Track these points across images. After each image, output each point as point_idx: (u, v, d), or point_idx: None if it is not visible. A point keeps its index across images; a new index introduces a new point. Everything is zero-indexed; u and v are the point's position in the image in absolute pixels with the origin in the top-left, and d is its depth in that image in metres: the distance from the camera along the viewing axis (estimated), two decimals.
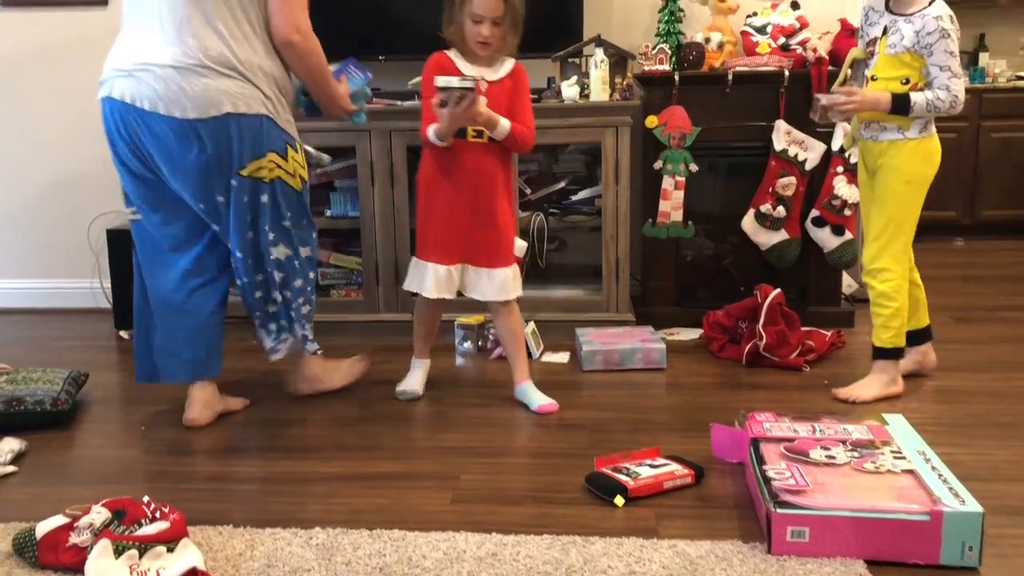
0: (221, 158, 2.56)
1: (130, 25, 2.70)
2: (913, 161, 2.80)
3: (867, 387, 2.87)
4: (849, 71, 2.99)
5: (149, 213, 2.73)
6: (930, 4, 2.71)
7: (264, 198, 2.65)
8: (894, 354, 2.87)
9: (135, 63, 2.57)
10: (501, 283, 2.83)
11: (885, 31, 2.78)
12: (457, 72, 2.70)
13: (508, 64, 2.79)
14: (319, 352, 2.96)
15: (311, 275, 2.85)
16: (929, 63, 2.70)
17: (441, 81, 2.57)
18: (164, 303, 2.74)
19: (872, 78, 2.81)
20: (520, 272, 3.62)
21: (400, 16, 3.86)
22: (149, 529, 1.87)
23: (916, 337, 3.00)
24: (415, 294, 2.92)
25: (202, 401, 2.77)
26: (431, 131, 2.71)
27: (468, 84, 2.56)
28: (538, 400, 2.83)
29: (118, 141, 2.63)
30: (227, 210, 2.63)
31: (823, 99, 2.79)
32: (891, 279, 2.81)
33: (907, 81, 2.74)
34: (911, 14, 2.71)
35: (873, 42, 2.83)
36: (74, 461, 2.56)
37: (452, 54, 2.76)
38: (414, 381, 2.98)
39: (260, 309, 2.80)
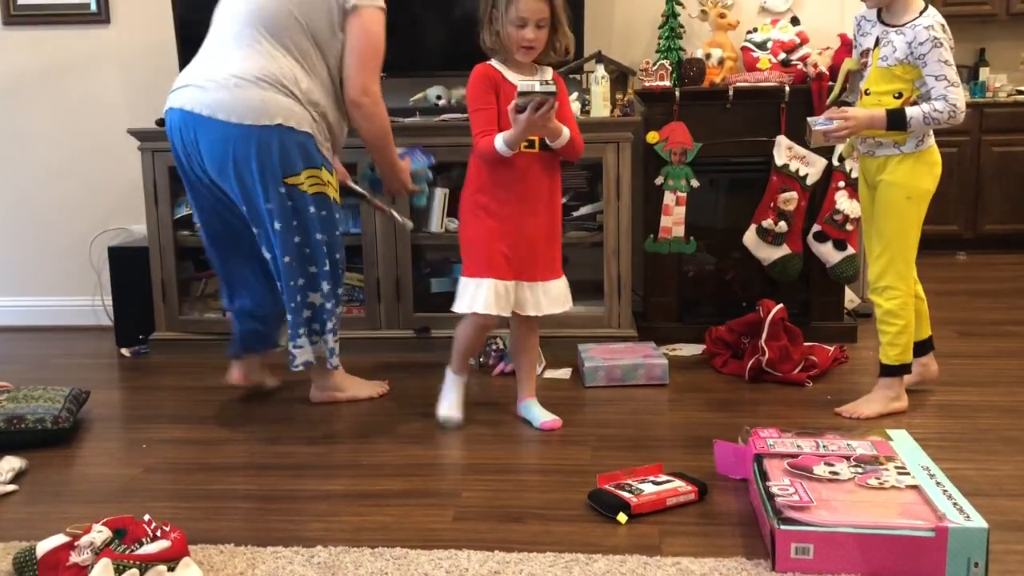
0: (268, 165, 2.74)
1: (211, 45, 2.90)
2: (913, 176, 2.76)
3: (871, 404, 2.85)
4: (846, 84, 2.97)
5: (204, 221, 2.99)
6: (921, 14, 2.67)
7: (312, 208, 2.81)
8: (900, 371, 2.85)
9: (205, 77, 2.79)
10: (557, 295, 2.79)
11: (877, 42, 2.75)
12: (505, 82, 2.65)
13: (547, 73, 2.74)
14: (338, 367, 3.02)
15: (339, 289, 2.97)
16: (924, 74, 2.66)
17: (523, 86, 2.49)
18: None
19: (865, 92, 2.79)
20: None
21: (401, 34, 3.87)
22: (150, 548, 1.86)
23: (918, 348, 2.99)
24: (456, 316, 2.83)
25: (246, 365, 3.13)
26: (500, 140, 2.60)
27: (550, 88, 2.48)
28: (541, 416, 2.81)
29: (179, 151, 2.86)
30: (271, 216, 2.78)
31: (817, 126, 2.75)
32: (897, 296, 2.79)
33: (900, 95, 2.70)
34: (902, 25, 2.68)
35: (866, 53, 2.81)
36: (75, 479, 2.55)
37: (496, 64, 2.69)
38: (452, 405, 2.83)
39: (295, 313, 2.88)
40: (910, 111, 2.66)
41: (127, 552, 1.85)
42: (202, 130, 2.76)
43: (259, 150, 2.72)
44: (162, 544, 1.87)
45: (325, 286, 2.88)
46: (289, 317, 2.89)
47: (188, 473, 2.56)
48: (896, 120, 2.67)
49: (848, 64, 2.93)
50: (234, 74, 2.73)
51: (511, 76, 2.65)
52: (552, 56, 2.70)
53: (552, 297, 2.78)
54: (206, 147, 2.77)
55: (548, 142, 2.66)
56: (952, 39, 2.68)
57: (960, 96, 2.67)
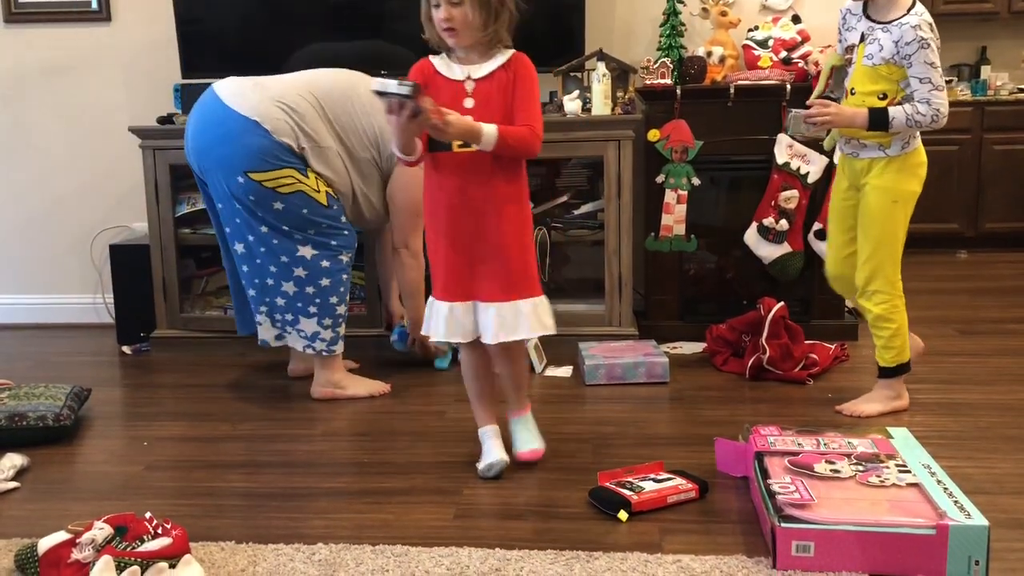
0: (239, 157, 2.92)
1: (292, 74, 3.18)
2: (899, 180, 2.71)
3: (871, 403, 2.85)
4: (830, 80, 2.94)
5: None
6: (909, 11, 2.60)
7: (278, 204, 2.95)
8: (899, 371, 2.84)
9: (260, 83, 3.05)
10: (515, 319, 2.38)
11: (863, 38, 2.69)
12: (437, 77, 2.32)
13: (504, 55, 2.32)
14: (335, 353, 3.09)
15: (323, 281, 3.04)
16: (909, 75, 2.61)
17: (376, 84, 2.11)
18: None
19: (851, 91, 2.74)
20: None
21: (401, 31, 3.87)
22: (151, 545, 1.86)
23: None
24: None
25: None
26: (393, 144, 2.28)
27: (404, 90, 2.08)
28: (522, 445, 2.50)
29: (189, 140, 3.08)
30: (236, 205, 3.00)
31: (797, 112, 2.71)
32: (886, 300, 2.76)
33: (884, 96, 2.65)
34: (889, 22, 2.62)
35: (851, 49, 2.76)
36: (76, 477, 2.55)
37: (436, 58, 2.35)
38: (493, 451, 2.45)
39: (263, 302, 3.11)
40: (893, 112, 2.62)
41: (128, 549, 1.85)
42: (219, 114, 2.98)
43: (251, 137, 2.90)
44: (163, 541, 1.87)
45: (309, 279, 3.04)
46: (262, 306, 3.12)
47: (189, 470, 2.56)
48: (878, 120, 2.63)
49: (832, 59, 2.90)
50: (277, 96, 2.98)
51: (447, 68, 2.31)
52: (503, 36, 2.30)
53: (501, 321, 2.35)
54: (212, 129, 3.01)
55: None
56: (939, 38, 2.63)
57: (944, 100, 2.62)
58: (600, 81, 3.56)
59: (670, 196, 3.67)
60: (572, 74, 3.74)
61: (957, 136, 5.80)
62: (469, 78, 2.30)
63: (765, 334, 3.23)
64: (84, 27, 4.14)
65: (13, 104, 4.23)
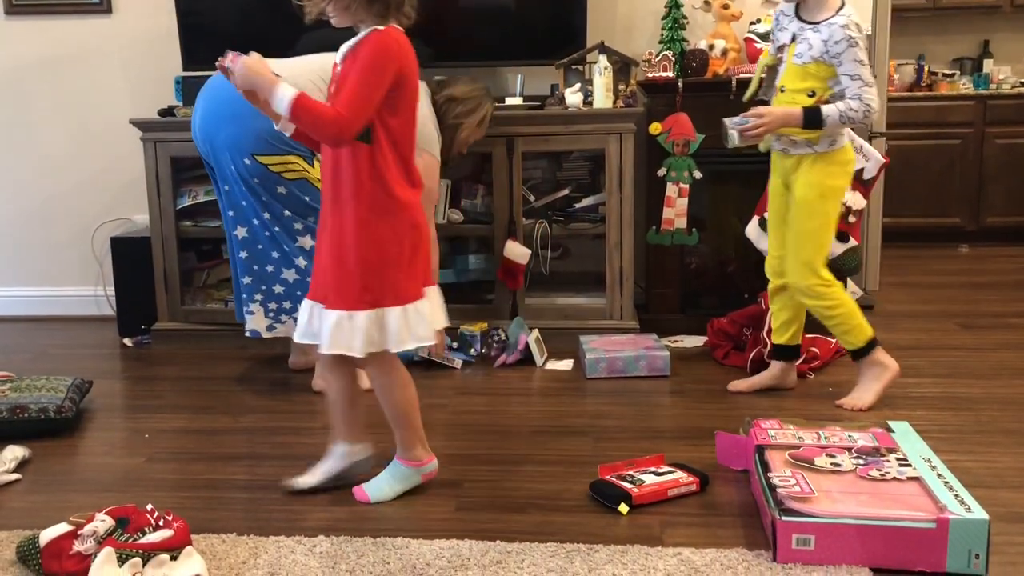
0: (249, 138, 2.92)
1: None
2: (826, 175, 2.76)
3: (867, 391, 2.85)
4: (763, 78, 2.93)
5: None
6: (838, 12, 2.66)
7: (282, 189, 2.98)
8: (869, 347, 2.85)
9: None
10: (329, 330, 2.12)
11: (793, 38, 2.74)
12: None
13: (365, 32, 2.10)
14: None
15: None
16: (839, 73, 2.66)
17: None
18: None
19: (780, 89, 2.79)
20: (524, 282, 3.63)
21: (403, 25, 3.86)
22: (153, 537, 1.87)
23: (784, 352, 2.97)
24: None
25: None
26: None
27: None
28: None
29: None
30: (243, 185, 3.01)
31: (733, 127, 2.73)
32: (822, 291, 2.80)
33: (812, 93, 2.69)
34: (819, 23, 2.67)
35: (782, 48, 2.80)
36: (78, 469, 2.56)
37: None
38: (315, 471, 2.31)
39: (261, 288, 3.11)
40: (826, 110, 2.65)
41: (130, 541, 1.85)
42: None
43: (254, 122, 2.81)
44: (165, 533, 1.88)
45: (302, 267, 3.04)
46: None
47: (190, 463, 2.56)
48: (812, 118, 2.67)
49: (764, 60, 2.92)
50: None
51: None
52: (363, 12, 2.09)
53: (324, 329, 2.14)
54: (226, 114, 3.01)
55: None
56: (866, 38, 2.69)
57: (874, 96, 2.67)
58: (602, 74, 3.55)
59: (671, 189, 3.66)
60: (574, 67, 3.73)
61: (959, 130, 5.79)
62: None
63: (766, 328, 3.23)
64: (85, 19, 4.13)
65: (14, 97, 4.22)
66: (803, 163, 2.77)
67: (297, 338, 2.25)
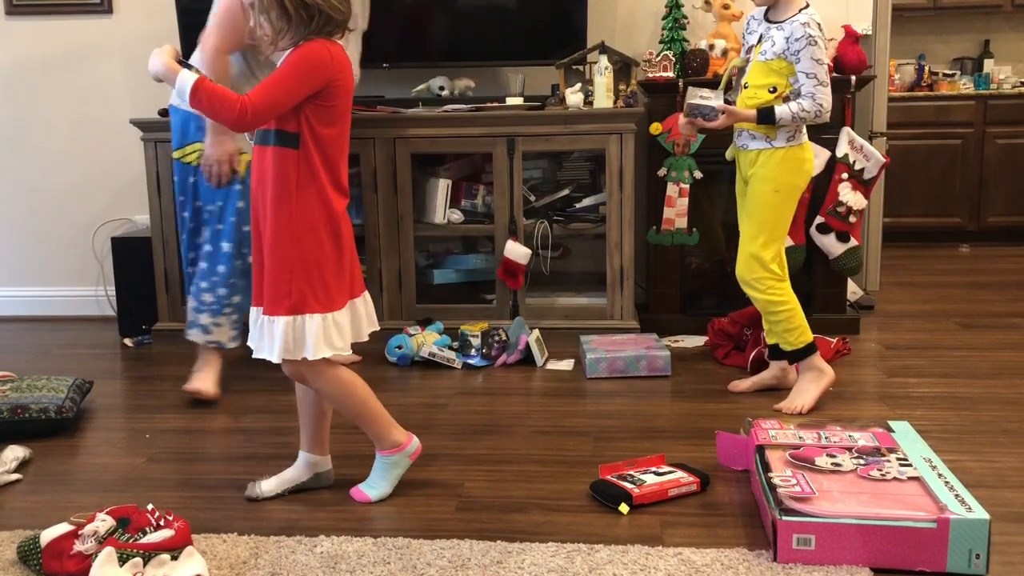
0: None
1: None
2: (781, 170, 2.78)
3: (804, 393, 2.82)
4: (732, 81, 2.95)
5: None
6: (800, 11, 2.71)
7: (191, 178, 3.09)
8: (808, 351, 2.85)
9: None
10: (269, 337, 2.14)
11: (760, 39, 2.79)
12: None
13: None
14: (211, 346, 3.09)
15: (220, 267, 3.06)
16: (797, 70, 2.70)
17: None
18: None
19: (744, 85, 2.83)
20: (525, 282, 3.64)
21: (403, 25, 3.87)
22: (153, 537, 1.87)
23: (780, 351, 2.94)
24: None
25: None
26: None
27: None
28: (363, 482, 2.31)
29: None
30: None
31: (696, 99, 2.78)
32: (770, 285, 2.82)
33: (774, 89, 2.73)
34: (782, 21, 2.72)
35: (750, 50, 2.85)
36: (78, 469, 2.56)
37: None
38: (272, 479, 2.30)
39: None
40: (779, 110, 2.70)
41: (131, 541, 1.85)
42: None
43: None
44: (166, 533, 1.88)
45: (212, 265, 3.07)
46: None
47: (191, 463, 2.56)
48: (765, 118, 2.72)
49: (735, 61, 2.97)
50: None
51: None
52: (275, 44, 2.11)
53: (265, 338, 2.15)
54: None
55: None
56: (826, 38, 2.73)
57: (827, 96, 2.70)
58: (602, 74, 3.55)
59: (672, 189, 3.66)
60: (574, 67, 3.73)
61: (960, 130, 5.79)
62: None
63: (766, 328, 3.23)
64: (86, 19, 4.14)
65: (15, 96, 4.22)
66: (760, 158, 2.80)
67: (250, 343, 2.22)
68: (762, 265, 2.81)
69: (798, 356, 2.86)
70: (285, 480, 2.30)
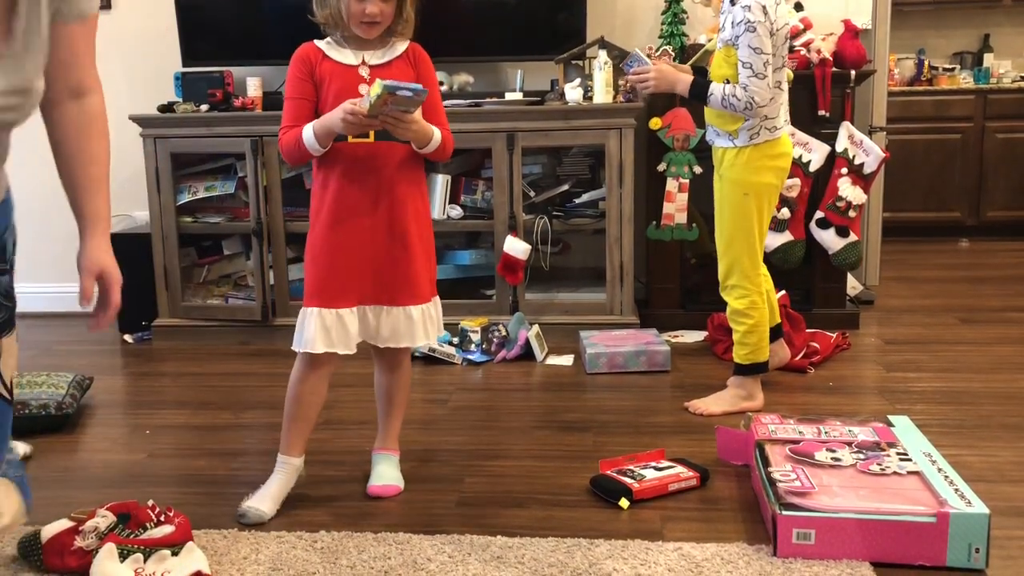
0: None
1: None
2: (749, 172, 2.64)
3: (719, 401, 2.79)
4: (708, 65, 2.85)
5: None
6: None
7: None
8: (752, 370, 2.77)
9: None
10: (418, 323, 2.22)
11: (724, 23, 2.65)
12: (325, 62, 2.15)
13: (402, 44, 2.20)
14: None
15: None
16: (737, 57, 2.53)
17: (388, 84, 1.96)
18: None
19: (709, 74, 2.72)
20: (524, 277, 3.64)
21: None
22: (154, 533, 1.87)
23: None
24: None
25: None
26: (308, 132, 2.09)
27: (416, 88, 1.97)
28: (376, 479, 2.31)
29: None
30: None
31: (632, 64, 2.67)
32: (745, 296, 2.71)
33: (727, 82, 2.58)
34: (735, 3, 2.54)
35: None
36: (79, 465, 2.56)
37: (323, 44, 2.17)
38: (267, 496, 2.18)
39: None
40: (713, 87, 2.56)
41: (131, 537, 1.86)
42: None
43: None
44: (166, 529, 1.88)
45: None
46: None
47: (191, 459, 2.57)
48: (698, 91, 2.59)
49: (708, 46, 2.88)
50: None
51: (339, 55, 2.16)
52: (404, 27, 2.18)
53: (412, 325, 2.22)
54: None
55: (416, 148, 2.16)
56: (775, 24, 2.52)
57: (760, 89, 2.51)
58: (602, 69, 3.55)
59: (672, 184, 3.66)
60: (574, 62, 3.73)
61: (959, 124, 5.79)
62: (364, 63, 2.15)
63: None
64: None
65: None
66: (726, 158, 2.69)
67: (394, 344, 2.28)
68: (741, 272, 2.71)
69: (740, 371, 2.79)
70: (279, 496, 2.21)
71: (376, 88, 1.94)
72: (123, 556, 1.79)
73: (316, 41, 2.19)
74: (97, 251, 1.69)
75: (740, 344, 2.78)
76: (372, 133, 2.11)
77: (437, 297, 2.28)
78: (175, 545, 1.85)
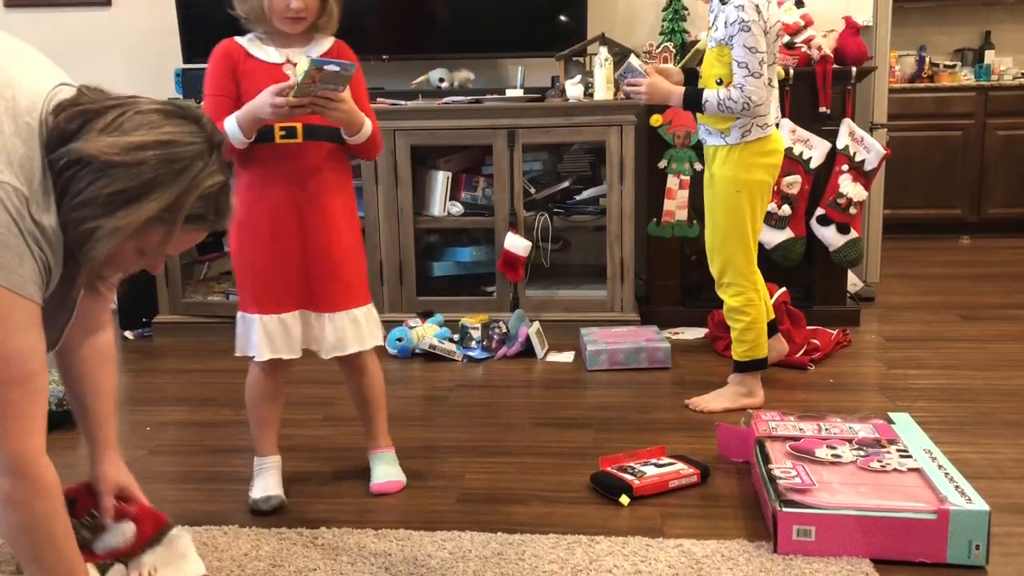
0: None
1: None
2: (741, 169, 2.64)
3: (720, 398, 2.79)
4: (698, 66, 2.85)
5: None
6: None
7: None
8: (751, 367, 2.77)
9: None
10: (364, 325, 2.20)
11: (715, 22, 2.64)
12: (249, 60, 2.09)
13: (327, 42, 2.15)
14: None
15: None
16: (732, 57, 2.53)
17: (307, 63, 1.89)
18: None
19: (700, 74, 2.72)
20: (525, 274, 3.64)
21: (403, 17, 3.86)
22: (114, 539, 1.67)
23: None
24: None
25: None
26: (231, 123, 2.00)
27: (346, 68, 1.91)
28: (376, 478, 2.29)
29: None
30: None
31: (628, 74, 2.66)
32: (740, 293, 2.72)
33: (720, 81, 2.58)
34: (727, 3, 2.54)
35: None
36: (79, 462, 2.54)
37: (245, 41, 2.12)
38: (271, 483, 2.21)
39: None
40: (707, 94, 2.56)
41: (85, 525, 1.67)
42: None
43: None
44: (126, 530, 1.68)
45: None
46: None
47: (192, 455, 2.57)
48: (692, 101, 2.59)
49: (698, 45, 2.88)
50: None
51: (262, 52, 2.10)
52: (328, 21, 2.12)
53: (350, 332, 2.19)
54: None
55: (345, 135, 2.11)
56: (768, 22, 2.52)
57: (757, 88, 2.51)
58: (602, 66, 3.55)
59: (672, 181, 3.66)
60: (574, 59, 3.73)
61: (960, 121, 5.78)
62: (288, 62, 2.09)
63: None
64: (85, 11, 4.13)
65: None
66: (718, 156, 2.68)
67: (341, 352, 2.22)
68: (736, 270, 2.71)
69: (739, 368, 2.80)
70: (279, 486, 2.23)
71: (303, 64, 1.88)
72: (103, 571, 1.62)
73: (237, 38, 2.13)
74: (113, 471, 1.75)
75: (738, 341, 2.78)
76: (300, 133, 2.07)
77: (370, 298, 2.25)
78: (148, 543, 1.67)
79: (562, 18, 3.80)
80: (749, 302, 2.72)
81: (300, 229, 2.11)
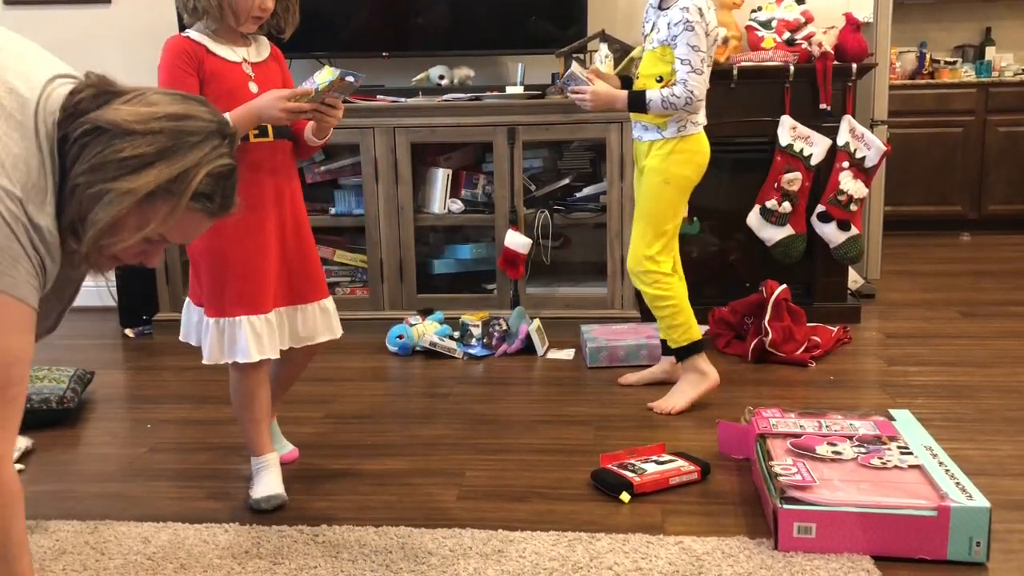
0: None
1: None
2: (671, 162, 2.71)
3: (681, 394, 2.78)
4: (635, 72, 2.90)
5: None
6: None
7: None
8: (692, 349, 2.80)
9: None
10: (333, 315, 2.28)
11: (653, 27, 2.74)
12: (210, 57, 2.07)
13: (266, 44, 2.19)
14: None
15: None
16: (675, 55, 2.64)
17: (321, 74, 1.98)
18: None
19: (635, 76, 2.79)
20: (525, 271, 3.64)
21: (404, 13, 3.86)
22: None
23: (667, 347, 2.90)
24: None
25: None
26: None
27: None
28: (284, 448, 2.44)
29: None
30: None
31: (569, 82, 2.73)
32: (658, 279, 2.75)
33: (661, 79, 2.67)
34: (668, 8, 2.67)
35: (646, 39, 2.80)
36: (80, 459, 2.56)
37: (201, 38, 2.08)
38: (272, 482, 2.20)
39: None
40: (649, 94, 2.65)
41: None
42: None
43: None
44: None
45: None
46: None
47: (192, 453, 2.57)
48: (636, 103, 2.67)
49: (633, 52, 2.94)
50: None
51: (220, 49, 2.09)
52: (277, 23, 2.16)
53: (332, 318, 2.29)
54: None
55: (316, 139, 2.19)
56: (710, 24, 2.64)
57: (699, 84, 2.62)
58: (603, 63, 3.54)
59: None
60: (574, 56, 3.72)
61: (961, 118, 5.78)
62: (245, 61, 2.11)
63: (767, 317, 3.23)
64: (84, 9, 4.13)
65: None
66: (652, 149, 2.74)
67: (319, 339, 2.28)
68: (650, 258, 2.74)
69: (682, 354, 2.81)
70: (279, 480, 2.23)
71: (328, 74, 1.92)
72: None
73: (191, 34, 2.10)
74: None
75: (671, 328, 2.80)
76: (271, 131, 2.10)
77: None
78: None
79: (562, 14, 3.80)
80: (669, 285, 2.76)
81: (277, 224, 2.15)
